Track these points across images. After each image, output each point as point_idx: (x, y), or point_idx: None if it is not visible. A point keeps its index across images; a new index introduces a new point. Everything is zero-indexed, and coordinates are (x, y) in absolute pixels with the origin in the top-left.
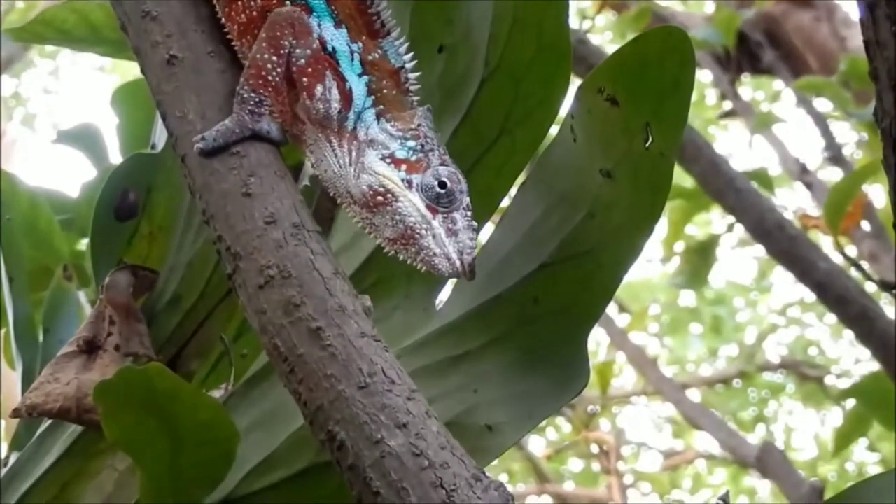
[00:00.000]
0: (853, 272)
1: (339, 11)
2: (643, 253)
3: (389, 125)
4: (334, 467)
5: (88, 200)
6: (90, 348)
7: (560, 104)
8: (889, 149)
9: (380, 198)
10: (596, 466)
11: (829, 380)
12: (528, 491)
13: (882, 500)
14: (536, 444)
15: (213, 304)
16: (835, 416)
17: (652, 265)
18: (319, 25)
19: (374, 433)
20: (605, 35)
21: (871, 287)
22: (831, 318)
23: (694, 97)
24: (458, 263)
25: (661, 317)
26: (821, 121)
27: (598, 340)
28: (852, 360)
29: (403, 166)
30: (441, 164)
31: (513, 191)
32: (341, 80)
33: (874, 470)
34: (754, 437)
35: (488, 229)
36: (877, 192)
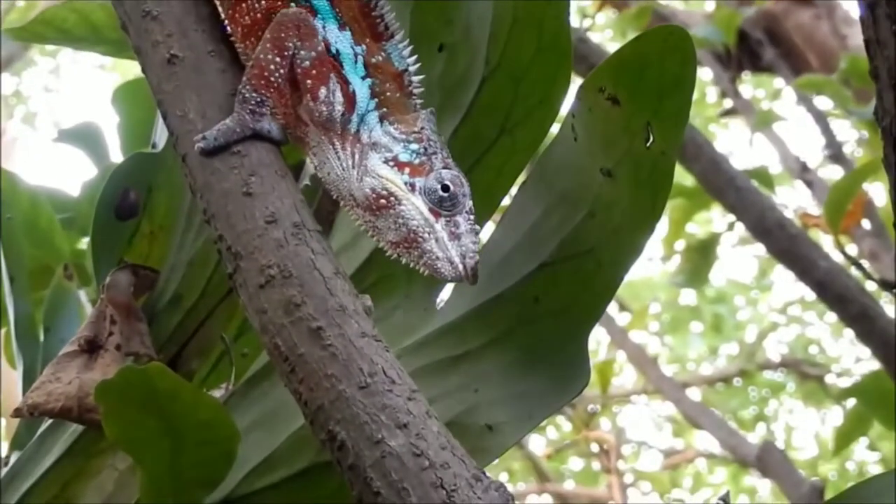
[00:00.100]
0: (853, 271)
1: (344, 14)
2: (644, 251)
3: (392, 128)
4: (335, 467)
5: (89, 199)
6: (91, 348)
7: (560, 103)
8: (889, 147)
9: (383, 201)
10: (596, 465)
11: (830, 378)
12: (528, 490)
13: (882, 500)
14: (537, 443)
15: (213, 304)
16: (835, 415)
17: (652, 264)
18: (324, 27)
19: (374, 433)
20: (605, 33)
21: (871, 286)
22: (832, 316)
23: (694, 95)
24: (460, 267)
25: (661, 315)
26: (821, 119)
27: (598, 339)
28: (853, 358)
29: (406, 169)
30: (444, 168)
31: (513, 190)
32: (345, 82)
33: (875, 469)
34: (755, 436)
35: (489, 229)
36: (877, 191)
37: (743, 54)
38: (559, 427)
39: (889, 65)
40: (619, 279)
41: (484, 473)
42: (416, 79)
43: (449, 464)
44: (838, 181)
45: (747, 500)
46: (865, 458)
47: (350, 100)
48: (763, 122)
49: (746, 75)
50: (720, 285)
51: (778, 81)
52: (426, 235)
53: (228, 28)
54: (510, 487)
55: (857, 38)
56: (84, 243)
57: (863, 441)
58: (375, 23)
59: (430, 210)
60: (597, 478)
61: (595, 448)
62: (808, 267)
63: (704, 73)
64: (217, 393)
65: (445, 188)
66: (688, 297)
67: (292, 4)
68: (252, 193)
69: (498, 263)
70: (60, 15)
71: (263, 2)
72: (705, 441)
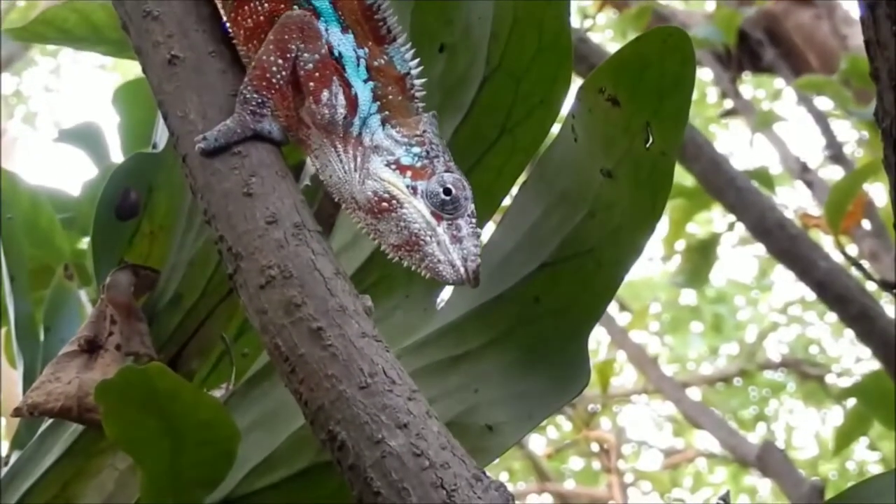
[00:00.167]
0: (854, 271)
1: (346, 17)
2: (644, 251)
3: (395, 131)
4: (335, 467)
5: (90, 199)
6: (91, 347)
7: (561, 104)
8: (890, 149)
9: (385, 204)
10: (596, 465)
11: (830, 378)
12: (528, 489)
13: (882, 500)
14: (537, 443)
15: (214, 304)
16: (835, 415)
17: (653, 263)
18: (326, 30)
19: (374, 433)
20: (605, 33)
21: (871, 286)
22: (832, 316)
23: (694, 96)
24: (462, 270)
25: (661, 315)
26: (821, 119)
27: (598, 339)
28: (853, 358)
29: (408, 172)
30: (446, 171)
31: (514, 190)
32: (347, 85)
33: (875, 469)
34: (755, 436)
35: (489, 229)
36: (878, 191)
37: (743, 54)
38: (559, 426)
39: (889, 66)
40: (620, 279)
41: (484, 473)
42: (418, 82)
43: (449, 464)
44: (839, 182)
45: (747, 499)
46: (866, 458)
47: (352, 103)
48: (763, 122)
49: (747, 75)
50: (720, 285)
51: (778, 82)
52: (428, 239)
53: (231, 31)
54: (510, 487)
55: (857, 38)
56: (84, 243)
57: (863, 441)
58: (378, 26)
59: (432, 213)
60: (597, 477)
61: (595, 448)
62: (809, 267)
63: (705, 74)
64: (217, 393)
65: (447, 191)
66: (688, 297)
67: (295, 7)
68: (253, 194)
69: (498, 263)
70: (61, 15)
71: (266, 4)
72: (705, 441)
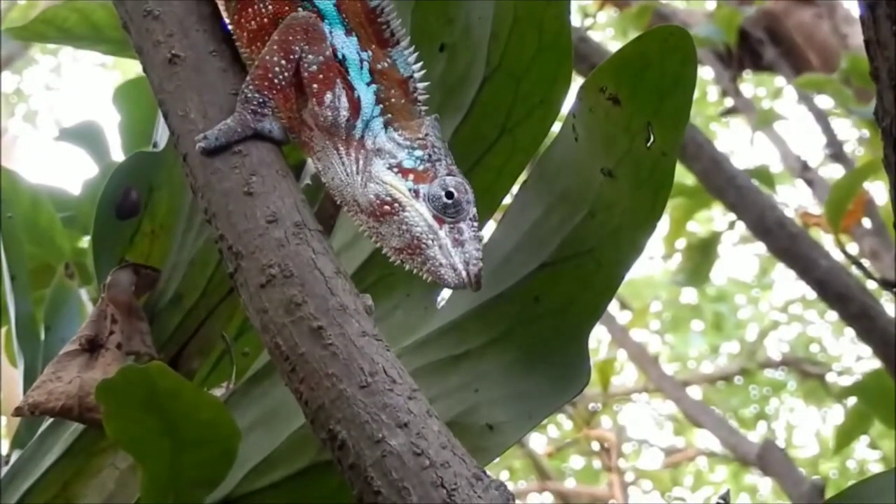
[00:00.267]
0: (854, 270)
1: (350, 19)
2: (644, 250)
3: (397, 134)
4: (335, 466)
5: (90, 198)
6: (92, 347)
7: (561, 103)
8: (890, 148)
9: (387, 207)
10: (597, 464)
11: (831, 377)
12: (529, 488)
13: (883, 500)
14: (537, 442)
15: (214, 303)
16: (836, 414)
17: (653, 262)
18: (331, 33)
19: (375, 432)
20: (606, 32)
21: (871, 285)
22: (832, 315)
23: (695, 94)
24: (464, 274)
25: (662, 314)
26: (822, 118)
27: (599, 338)
28: (853, 357)
29: (411, 176)
30: (448, 175)
31: (514, 190)
32: (350, 88)
33: (875, 467)
34: (755, 435)
35: (490, 228)
36: (878, 190)
37: (744, 53)
38: (560, 425)
39: (889, 65)
40: (620, 279)
41: (484, 472)
42: (421, 85)
43: (449, 463)
44: (839, 180)
45: (748, 498)
46: (866, 457)
47: (355, 105)
48: (764, 121)
49: (747, 74)
50: (721, 284)
51: (779, 80)
52: (430, 242)
53: (234, 33)
54: (511, 486)
55: (857, 37)
56: (85, 242)
57: (863, 439)
58: (381, 29)
59: (434, 216)
60: (598, 476)
61: (596, 446)
62: (809, 266)
63: (705, 72)
64: (218, 392)
65: (449, 195)
66: (689, 295)
67: (299, 9)
68: (253, 193)
69: (498, 263)
70: (61, 14)
71: (270, 7)
72: (706, 439)
